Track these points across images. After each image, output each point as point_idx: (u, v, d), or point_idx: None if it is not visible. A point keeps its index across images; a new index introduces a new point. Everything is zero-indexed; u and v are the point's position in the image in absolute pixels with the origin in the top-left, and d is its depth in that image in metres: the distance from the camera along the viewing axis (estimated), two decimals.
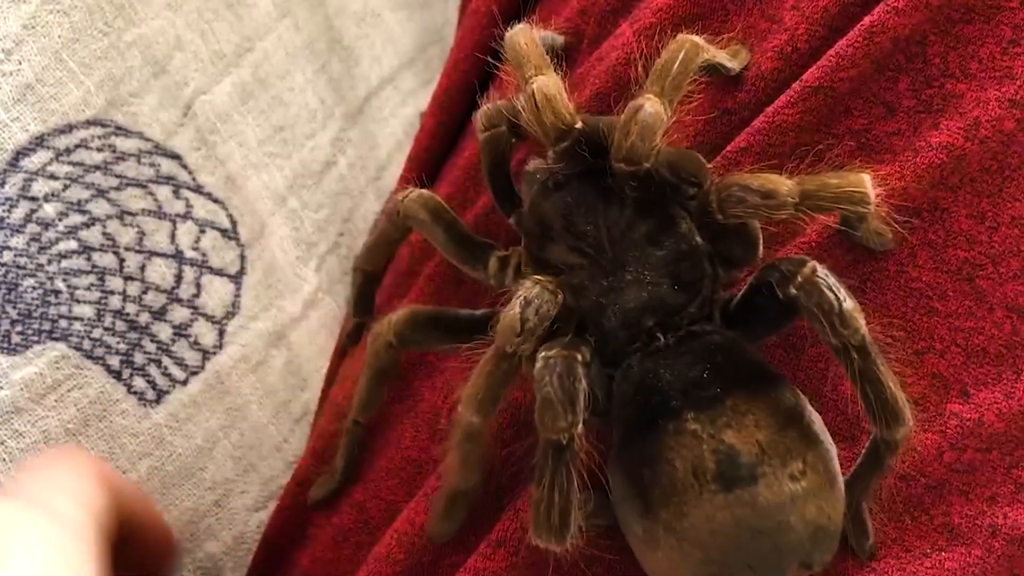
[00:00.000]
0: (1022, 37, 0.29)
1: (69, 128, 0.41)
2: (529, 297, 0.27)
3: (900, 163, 0.30)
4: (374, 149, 0.44)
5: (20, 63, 0.39)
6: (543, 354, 0.27)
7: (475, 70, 0.38)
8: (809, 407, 0.28)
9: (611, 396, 0.29)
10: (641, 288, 0.29)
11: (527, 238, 0.32)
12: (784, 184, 0.27)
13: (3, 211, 0.38)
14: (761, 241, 0.30)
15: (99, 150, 0.41)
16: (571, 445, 0.26)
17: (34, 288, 0.40)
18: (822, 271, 0.27)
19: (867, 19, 0.30)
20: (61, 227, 0.40)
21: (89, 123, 0.41)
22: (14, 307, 0.39)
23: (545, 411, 0.26)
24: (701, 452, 0.27)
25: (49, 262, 0.40)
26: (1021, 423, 0.30)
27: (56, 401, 0.38)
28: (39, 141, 0.41)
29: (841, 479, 0.28)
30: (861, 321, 0.26)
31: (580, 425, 0.27)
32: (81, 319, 0.40)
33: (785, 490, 0.26)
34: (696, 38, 0.29)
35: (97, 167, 0.41)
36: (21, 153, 0.40)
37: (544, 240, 0.31)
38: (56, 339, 0.39)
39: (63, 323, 0.40)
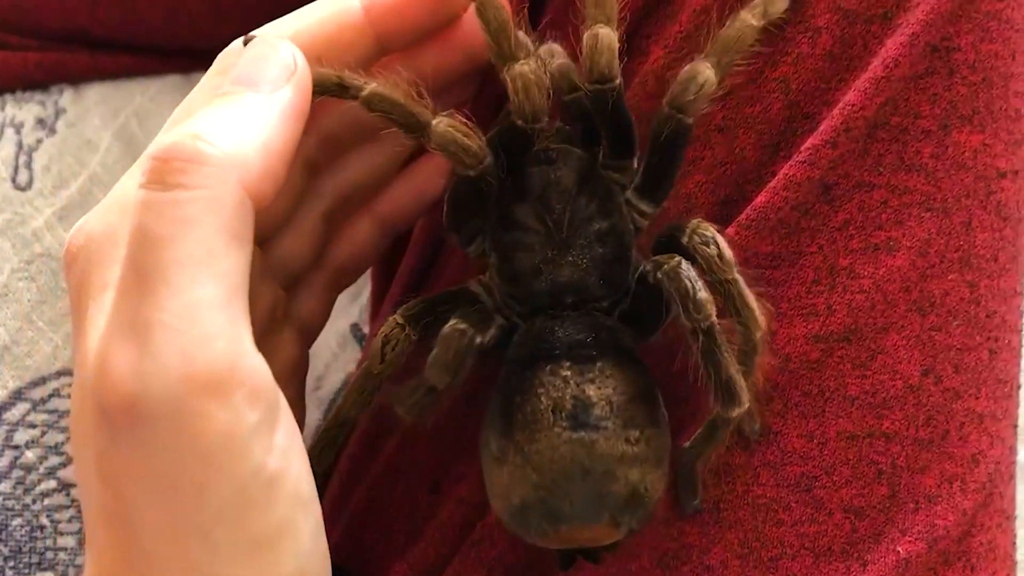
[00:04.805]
0: (823, 276, 0.33)
1: (43, 380, 0.46)
2: (388, 336, 0.33)
3: None
4: (316, 354, 0.49)
5: None
6: (451, 325, 0.32)
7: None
8: (662, 407, 0.32)
9: (512, 340, 0.34)
10: (576, 271, 0.34)
11: (501, 185, 0.34)
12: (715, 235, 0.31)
13: None
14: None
15: (70, 396, 0.46)
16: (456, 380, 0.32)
17: (22, 527, 0.45)
18: (686, 264, 0.31)
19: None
20: (42, 469, 0.45)
21: (59, 373, 0.47)
22: (5, 545, 0.44)
23: (434, 366, 0.32)
24: (564, 394, 0.31)
25: (34, 502, 0.45)
26: None
27: None
28: (17, 395, 0.46)
29: (667, 467, 0.32)
30: (711, 311, 0.30)
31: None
32: (65, 549, 0.45)
33: (619, 448, 0.31)
34: (753, 20, 0.32)
35: (69, 411, 0.46)
36: (3, 408, 0.46)
37: (517, 196, 0.34)
38: (44, 569, 0.44)
39: (49, 555, 0.45)
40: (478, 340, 0.32)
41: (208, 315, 0.26)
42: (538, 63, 0.32)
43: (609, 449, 0.31)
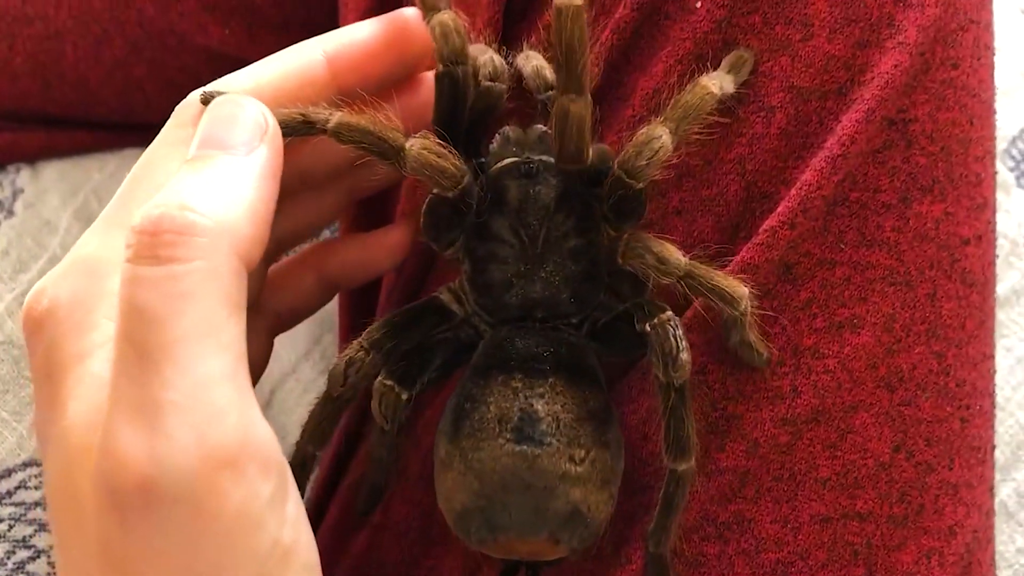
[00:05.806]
0: (787, 358, 0.33)
1: (8, 473, 0.46)
2: (352, 359, 0.33)
3: (696, 484, 0.33)
4: (284, 438, 0.48)
5: None
6: (380, 380, 0.33)
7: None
8: (617, 429, 0.32)
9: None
10: (547, 287, 0.33)
11: (479, 200, 0.34)
12: (677, 258, 0.31)
13: None
14: (649, 288, 0.33)
15: (37, 488, 0.45)
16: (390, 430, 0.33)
17: None
18: (675, 321, 0.31)
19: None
20: (11, 565, 0.44)
21: (26, 464, 0.46)
22: None
23: (374, 420, 0.33)
24: (512, 406, 0.31)
25: None
26: None
27: None
28: None
29: (615, 490, 0.32)
30: (687, 371, 0.31)
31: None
32: None
33: (561, 465, 0.30)
34: (713, 88, 0.32)
35: (37, 503, 0.45)
36: None
37: (494, 208, 0.34)
38: None
39: None
40: (404, 396, 0.33)
41: (217, 390, 0.26)
42: (459, 16, 0.32)
43: (551, 465, 0.30)
